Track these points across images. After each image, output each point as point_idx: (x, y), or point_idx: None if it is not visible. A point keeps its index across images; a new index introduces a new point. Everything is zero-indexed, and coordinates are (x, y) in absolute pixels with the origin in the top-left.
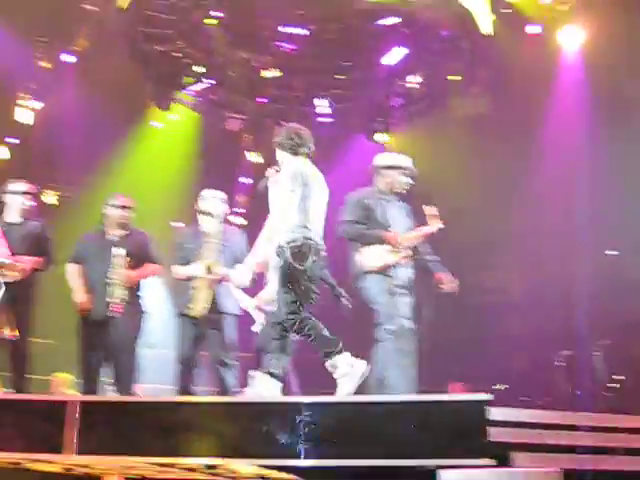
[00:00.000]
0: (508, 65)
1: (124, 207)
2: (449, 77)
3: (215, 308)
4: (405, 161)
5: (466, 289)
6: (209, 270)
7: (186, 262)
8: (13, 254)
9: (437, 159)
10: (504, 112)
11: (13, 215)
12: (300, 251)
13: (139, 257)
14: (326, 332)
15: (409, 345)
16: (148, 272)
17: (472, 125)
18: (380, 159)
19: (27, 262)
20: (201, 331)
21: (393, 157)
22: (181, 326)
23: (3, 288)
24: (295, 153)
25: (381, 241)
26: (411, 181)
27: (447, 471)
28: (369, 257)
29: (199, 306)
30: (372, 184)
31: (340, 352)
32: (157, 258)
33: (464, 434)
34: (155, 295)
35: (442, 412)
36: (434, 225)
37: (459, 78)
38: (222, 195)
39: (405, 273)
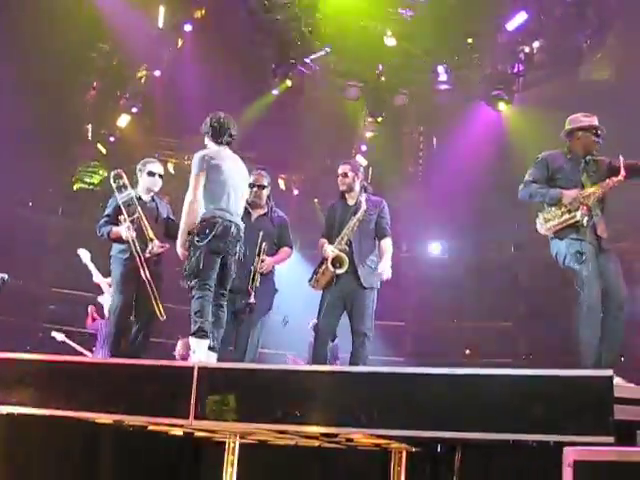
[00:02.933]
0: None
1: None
2: (572, 43)
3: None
4: (596, 121)
5: None
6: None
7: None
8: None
9: (558, 127)
10: (631, 78)
11: (143, 192)
12: (202, 228)
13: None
14: (210, 318)
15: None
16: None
17: (596, 92)
18: (573, 121)
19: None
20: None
21: (586, 118)
22: (322, 298)
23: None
24: (216, 141)
25: (559, 199)
26: (601, 142)
27: (571, 448)
28: (547, 219)
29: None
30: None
31: (202, 337)
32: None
33: (588, 410)
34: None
35: (566, 387)
36: (619, 177)
37: (583, 44)
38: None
39: (594, 233)
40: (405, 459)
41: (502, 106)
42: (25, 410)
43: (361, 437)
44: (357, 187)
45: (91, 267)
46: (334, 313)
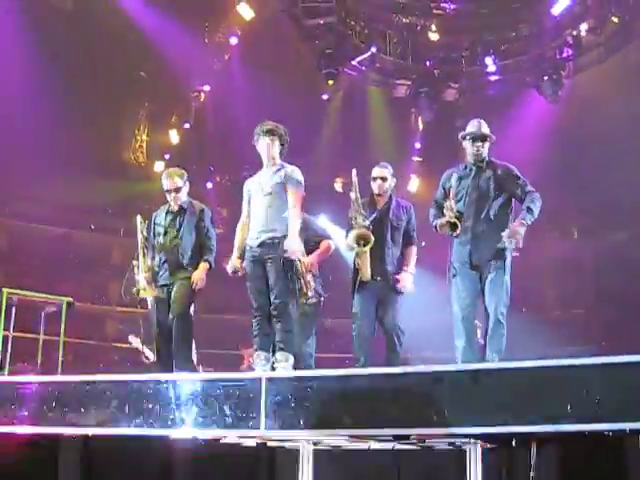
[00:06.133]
0: None
1: None
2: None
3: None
4: (483, 128)
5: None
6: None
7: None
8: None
9: (611, 107)
10: None
11: (172, 205)
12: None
13: None
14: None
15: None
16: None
17: None
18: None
19: (200, 279)
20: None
21: (472, 124)
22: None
23: None
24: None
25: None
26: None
27: None
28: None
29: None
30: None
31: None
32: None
33: None
34: None
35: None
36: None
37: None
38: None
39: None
40: (480, 456)
41: (553, 92)
42: (101, 431)
43: (434, 437)
44: (389, 192)
45: (140, 348)
46: (369, 318)
